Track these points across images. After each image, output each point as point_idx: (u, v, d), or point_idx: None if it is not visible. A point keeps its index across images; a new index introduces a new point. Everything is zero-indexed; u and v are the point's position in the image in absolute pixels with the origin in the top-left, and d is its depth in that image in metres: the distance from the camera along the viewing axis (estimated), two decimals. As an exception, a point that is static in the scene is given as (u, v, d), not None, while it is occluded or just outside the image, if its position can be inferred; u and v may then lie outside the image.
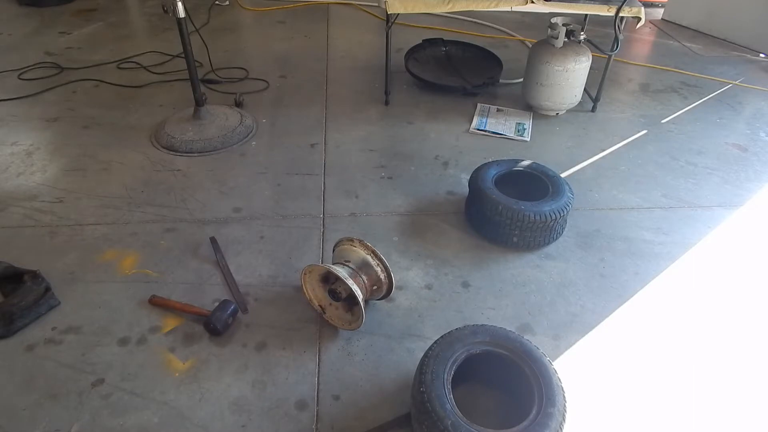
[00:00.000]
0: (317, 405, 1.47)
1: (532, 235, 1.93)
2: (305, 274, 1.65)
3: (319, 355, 1.60)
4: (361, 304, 1.53)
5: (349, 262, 1.67)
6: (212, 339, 1.64)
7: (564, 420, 1.26)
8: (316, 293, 1.69)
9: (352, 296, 1.55)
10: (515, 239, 1.95)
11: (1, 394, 1.48)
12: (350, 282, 1.53)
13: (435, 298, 1.79)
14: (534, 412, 1.25)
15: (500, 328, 1.44)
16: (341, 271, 1.56)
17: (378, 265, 1.65)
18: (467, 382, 1.43)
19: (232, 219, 2.13)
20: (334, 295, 1.60)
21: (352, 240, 1.67)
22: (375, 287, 1.67)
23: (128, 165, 2.43)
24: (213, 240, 1.99)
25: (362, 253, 1.65)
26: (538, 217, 1.85)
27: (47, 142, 2.61)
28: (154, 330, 1.67)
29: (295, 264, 1.91)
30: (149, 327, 1.68)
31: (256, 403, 1.47)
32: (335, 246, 1.74)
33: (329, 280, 1.65)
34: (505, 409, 1.43)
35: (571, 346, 1.64)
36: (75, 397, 1.48)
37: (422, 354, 1.38)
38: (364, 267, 1.66)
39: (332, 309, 1.68)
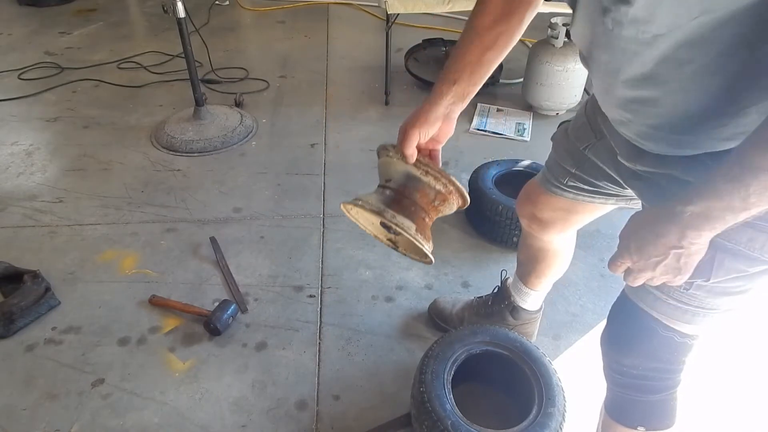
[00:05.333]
0: (317, 405, 1.47)
1: None
2: (349, 212, 1.16)
3: (319, 355, 1.60)
4: (414, 237, 1.05)
5: (390, 181, 1.12)
6: (212, 339, 1.64)
7: (564, 420, 1.26)
8: (376, 227, 1.23)
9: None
10: (515, 239, 1.94)
11: (1, 394, 1.48)
12: (389, 214, 1.03)
13: (435, 298, 1.79)
14: (534, 412, 1.25)
15: (500, 328, 1.44)
16: (372, 201, 1.06)
17: (426, 173, 1.08)
18: (467, 382, 1.43)
19: (232, 219, 2.13)
20: (388, 228, 1.16)
21: (387, 149, 1.12)
22: (437, 202, 1.13)
23: (128, 165, 2.43)
24: (213, 240, 1.99)
25: (401, 166, 1.10)
26: None
27: (47, 142, 2.61)
28: (154, 330, 1.67)
29: (295, 264, 1.91)
30: (149, 327, 1.68)
31: (256, 403, 1.48)
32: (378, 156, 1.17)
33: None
34: (505, 409, 1.43)
35: (571, 345, 1.64)
36: (75, 397, 1.48)
37: (422, 354, 1.38)
38: (409, 182, 1.10)
39: (404, 240, 1.22)
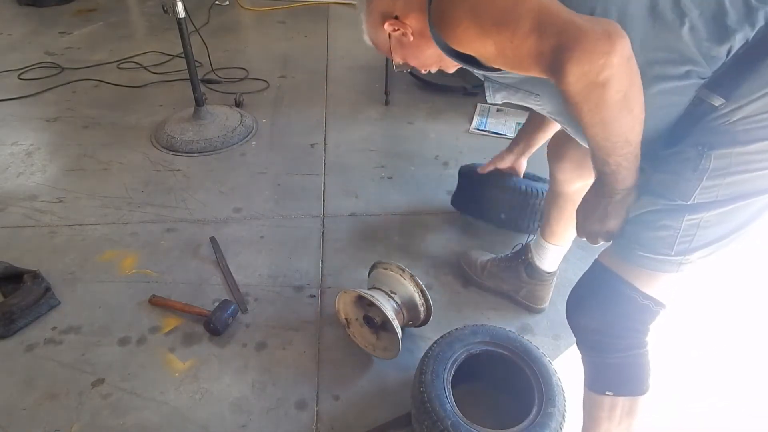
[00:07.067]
0: (317, 405, 1.47)
1: (520, 215, 1.93)
2: (344, 292, 1.55)
3: (319, 355, 1.60)
4: (399, 340, 1.46)
5: (395, 294, 1.56)
6: (212, 339, 1.64)
7: (564, 420, 1.26)
8: (345, 307, 1.61)
9: (385, 322, 1.50)
10: (502, 216, 1.95)
11: (1, 394, 1.48)
12: (396, 324, 1.45)
13: (435, 298, 1.79)
14: (534, 412, 1.25)
15: (500, 328, 1.44)
16: (387, 307, 1.47)
17: (423, 305, 1.55)
18: (467, 382, 1.43)
19: (232, 219, 2.13)
20: (369, 321, 1.55)
21: (402, 270, 1.54)
22: (411, 321, 1.60)
23: (128, 165, 2.43)
24: (213, 240, 1.99)
25: (411, 290, 1.54)
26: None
27: (47, 142, 2.61)
28: (154, 330, 1.67)
29: (295, 264, 1.91)
30: (149, 327, 1.68)
31: (256, 403, 1.48)
32: (376, 264, 1.62)
33: (364, 301, 1.56)
34: (505, 409, 1.43)
35: (571, 345, 1.64)
36: (75, 397, 1.48)
37: (422, 354, 1.38)
38: (408, 303, 1.56)
39: (357, 325, 1.61)
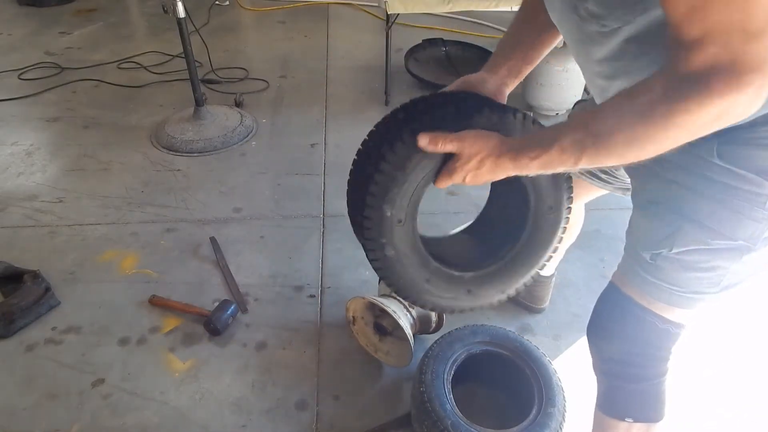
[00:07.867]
0: (317, 405, 1.47)
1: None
2: (362, 297, 1.53)
3: (319, 355, 1.60)
4: (411, 352, 1.46)
5: (413, 308, 1.56)
6: (212, 339, 1.64)
7: (564, 420, 1.26)
8: (355, 306, 1.59)
9: (394, 329, 1.51)
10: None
11: (1, 394, 1.48)
12: (411, 342, 1.45)
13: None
14: (534, 412, 1.25)
15: (500, 328, 1.44)
16: (406, 324, 1.47)
17: (436, 322, 1.58)
18: (467, 382, 1.43)
19: (232, 219, 2.13)
20: (380, 328, 1.55)
21: None
22: (422, 328, 1.60)
23: (128, 165, 2.43)
24: (213, 240, 1.99)
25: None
26: None
27: (47, 142, 2.61)
28: (154, 330, 1.67)
29: (295, 264, 1.91)
30: (149, 327, 1.68)
31: (256, 403, 1.48)
32: None
33: (376, 306, 1.53)
34: (505, 409, 1.43)
35: (570, 345, 1.64)
36: (75, 397, 1.48)
37: (422, 354, 1.38)
38: (423, 318, 1.56)
39: (362, 324, 1.60)
